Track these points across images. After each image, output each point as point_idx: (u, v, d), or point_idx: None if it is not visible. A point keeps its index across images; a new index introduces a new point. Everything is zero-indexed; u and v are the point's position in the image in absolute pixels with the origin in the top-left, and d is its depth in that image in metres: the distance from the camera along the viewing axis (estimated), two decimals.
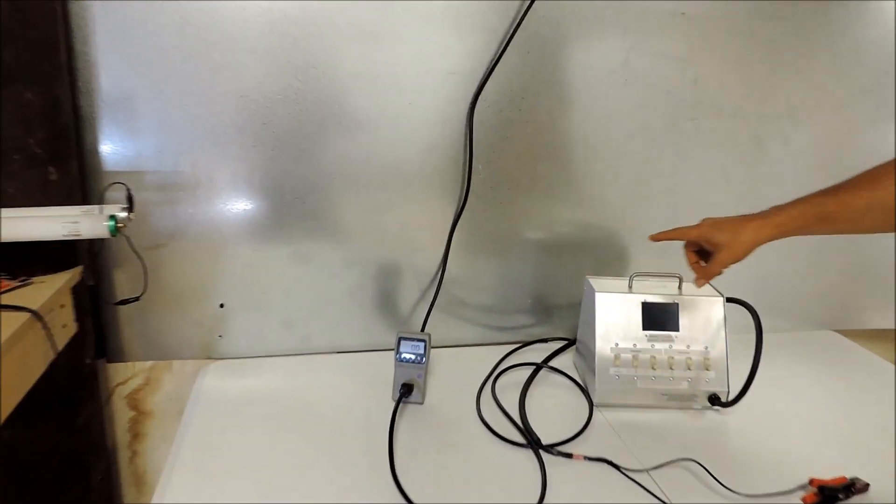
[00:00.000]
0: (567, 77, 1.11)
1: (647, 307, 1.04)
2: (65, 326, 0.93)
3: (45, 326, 0.83)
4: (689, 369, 1.02)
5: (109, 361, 1.14)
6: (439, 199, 1.15)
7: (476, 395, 1.06)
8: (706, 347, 1.03)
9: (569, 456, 0.91)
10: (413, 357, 1.01)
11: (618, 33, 1.11)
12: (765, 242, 0.88)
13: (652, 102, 1.16)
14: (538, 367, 1.14)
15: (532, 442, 0.93)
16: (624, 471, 0.88)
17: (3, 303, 0.81)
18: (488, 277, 1.22)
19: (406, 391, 1.00)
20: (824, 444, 0.98)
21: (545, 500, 0.83)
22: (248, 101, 1.02)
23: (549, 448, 0.92)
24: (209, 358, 1.17)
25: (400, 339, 1.02)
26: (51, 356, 0.87)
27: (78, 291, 0.98)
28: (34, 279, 0.91)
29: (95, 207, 0.87)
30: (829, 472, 0.87)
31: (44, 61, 0.89)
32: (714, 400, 1.02)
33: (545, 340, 1.24)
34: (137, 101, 0.99)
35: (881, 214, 0.81)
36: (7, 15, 0.84)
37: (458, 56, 1.07)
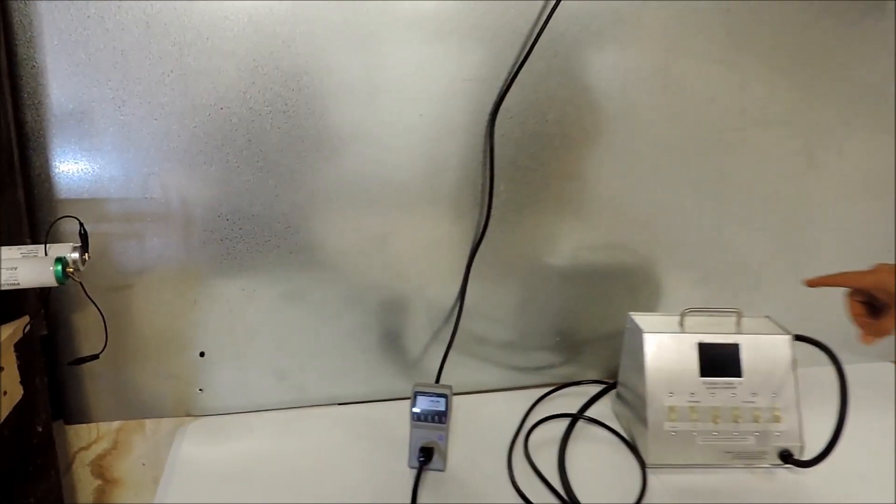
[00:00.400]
0: (599, 83, 0.96)
1: (704, 349, 0.88)
2: (6, 394, 0.75)
3: None
4: (756, 421, 0.87)
5: (68, 423, 0.97)
6: (455, 223, 0.99)
7: (506, 456, 0.90)
8: (774, 395, 0.88)
9: None
10: (432, 415, 0.85)
11: (656, 33, 0.96)
12: None
13: (694, 111, 1.01)
14: (575, 418, 0.98)
15: None
16: None
17: None
18: (510, 311, 1.06)
19: (425, 457, 0.84)
20: None
21: None
22: (229, 114, 0.86)
23: None
24: (188, 415, 1.00)
25: (416, 393, 0.85)
26: None
27: (24, 348, 0.80)
28: None
29: (38, 248, 0.70)
30: None
31: None
32: (786, 457, 0.86)
33: (578, 383, 1.09)
34: (95, 114, 0.83)
35: None
36: None
37: (476, 60, 0.91)
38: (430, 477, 0.85)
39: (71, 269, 0.70)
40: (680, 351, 0.88)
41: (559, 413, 0.99)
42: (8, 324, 0.77)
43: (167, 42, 0.81)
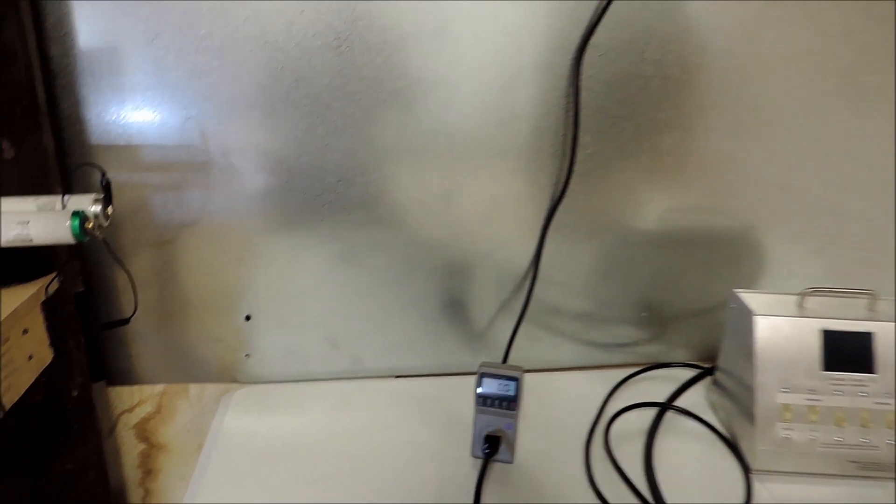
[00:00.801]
0: (708, 14, 0.80)
1: (829, 338, 0.73)
2: (31, 358, 0.68)
3: None
4: (890, 428, 0.72)
5: (111, 384, 0.91)
6: (530, 178, 0.85)
7: (583, 449, 0.78)
8: None
9: None
10: (501, 401, 0.74)
11: None
12: None
13: (824, 48, 0.83)
14: (664, 408, 0.85)
15: None
16: None
17: None
18: (591, 280, 0.92)
19: (491, 447, 0.74)
20: None
21: None
22: (275, 50, 0.75)
23: None
24: (234, 381, 0.93)
25: (482, 375, 0.74)
26: None
27: (55, 307, 0.73)
28: None
29: (56, 199, 0.61)
30: None
31: None
32: None
33: (667, 365, 0.95)
34: (126, 49, 0.73)
35: None
36: None
37: None
38: (495, 469, 0.75)
39: (91, 225, 0.61)
40: (799, 339, 0.74)
41: (645, 402, 0.86)
42: (33, 282, 0.70)
43: None
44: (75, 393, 0.80)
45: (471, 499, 0.70)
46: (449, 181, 0.84)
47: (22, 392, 0.65)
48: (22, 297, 0.66)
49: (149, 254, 0.83)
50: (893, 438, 0.72)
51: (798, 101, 0.85)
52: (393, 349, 0.93)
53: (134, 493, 0.97)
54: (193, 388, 0.92)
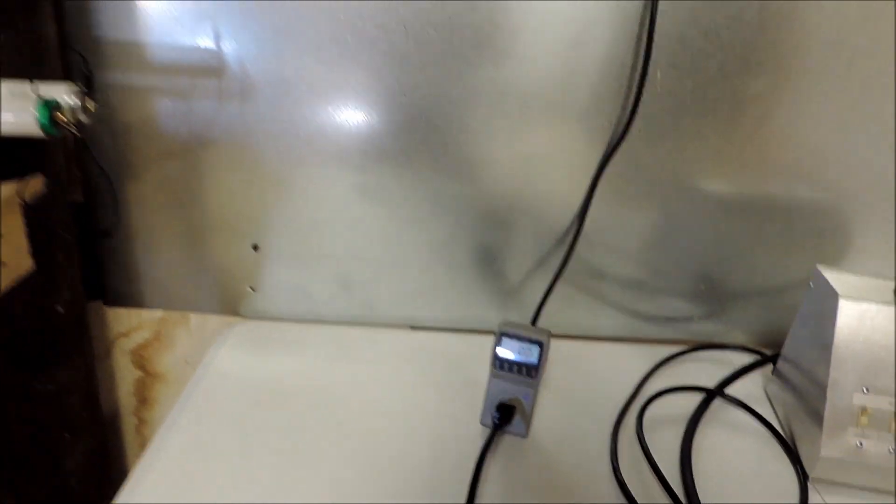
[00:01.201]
0: None
1: None
2: (5, 265, 0.62)
3: None
4: None
5: (108, 305, 0.85)
6: (585, 118, 0.74)
7: (611, 432, 0.68)
8: None
9: None
10: (520, 367, 0.64)
11: None
12: None
13: None
14: (711, 394, 0.74)
15: None
16: None
17: None
18: (643, 243, 0.81)
19: (503, 417, 0.64)
20: None
21: None
22: None
23: None
24: (236, 315, 0.85)
25: (502, 334, 0.64)
26: None
27: (44, 214, 0.67)
28: None
29: (26, 84, 0.53)
30: None
31: None
32: None
33: (721, 347, 0.83)
34: None
35: None
36: None
37: None
38: (505, 442, 0.66)
39: (65, 119, 0.53)
40: (889, 332, 0.61)
41: (690, 385, 0.75)
42: (10, 182, 0.63)
43: None
44: (61, 310, 0.74)
45: (472, 470, 0.60)
46: (490, 113, 0.73)
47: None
48: None
49: (153, 167, 0.75)
50: None
51: None
52: (410, 297, 0.84)
53: (127, 421, 0.92)
54: (194, 318, 0.86)
